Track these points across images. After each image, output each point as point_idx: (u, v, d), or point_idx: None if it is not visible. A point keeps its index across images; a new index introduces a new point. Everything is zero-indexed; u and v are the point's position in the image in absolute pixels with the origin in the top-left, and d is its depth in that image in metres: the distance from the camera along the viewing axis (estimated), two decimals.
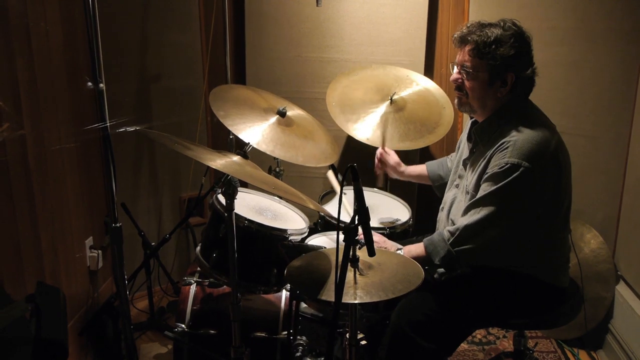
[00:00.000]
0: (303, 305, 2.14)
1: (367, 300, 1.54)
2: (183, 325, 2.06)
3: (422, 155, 2.98)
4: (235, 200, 1.78)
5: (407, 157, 2.69)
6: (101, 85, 1.81)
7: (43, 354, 1.05)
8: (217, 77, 2.92)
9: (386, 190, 2.66)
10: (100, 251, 2.55)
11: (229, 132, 2.51)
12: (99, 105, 1.84)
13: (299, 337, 2.10)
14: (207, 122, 3.02)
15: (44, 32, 2.28)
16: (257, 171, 1.78)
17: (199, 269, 2.24)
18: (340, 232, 1.54)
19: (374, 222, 2.16)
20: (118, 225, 1.79)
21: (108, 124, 1.82)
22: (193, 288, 2.16)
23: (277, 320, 2.10)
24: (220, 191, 2.04)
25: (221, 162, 1.70)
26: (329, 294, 1.58)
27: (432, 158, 2.90)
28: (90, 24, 1.79)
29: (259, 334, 2.08)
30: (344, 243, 1.54)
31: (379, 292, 1.58)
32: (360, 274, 1.64)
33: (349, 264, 1.59)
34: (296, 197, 1.74)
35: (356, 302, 1.54)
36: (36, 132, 2.19)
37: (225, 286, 2.16)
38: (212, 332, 2.07)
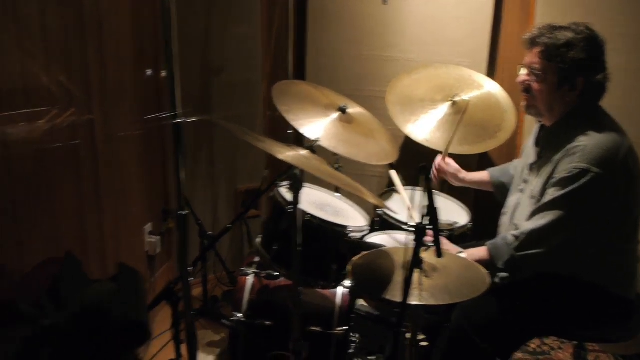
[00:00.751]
0: (358, 302, 2.14)
1: (432, 302, 1.53)
2: (240, 315, 2.09)
3: (480, 160, 2.94)
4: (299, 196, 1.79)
5: (466, 161, 2.65)
6: (163, 73, 1.83)
7: (126, 336, 1.07)
8: (276, 73, 2.94)
9: (443, 192, 2.63)
10: (158, 237, 2.61)
11: (288, 126, 2.52)
12: (169, 94, 1.87)
13: (352, 334, 2.10)
14: (266, 117, 3.05)
15: (114, 21, 2.34)
16: (325, 166, 1.79)
17: (255, 260, 2.27)
18: (409, 232, 1.53)
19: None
20: (185, 212, 1.82)
21: (179, 113, 1.85)
22: (250, 279, 2.18)
23: (332, 315, 2.11)
24: (283, 185, 2.06)
25: (291, 155, 1.71)
26: (393, 294, 1.58)
27: (491, 163, 2.86)
28: (165, 14, 1.81)
29: (314, 328, 2.08)
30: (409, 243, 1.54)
31: (444, 295, 1.56)
32: (425, 276, 1.63)
33: (422, 264, 1.59)
34: (363, 193, 1.74)
35: (422, 304, 1.53)
36: (105, 118, 2.25)
37: (281, 279, 2.18)
38: (268, 323, 2.09)
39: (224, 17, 2.90)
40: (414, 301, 1.52)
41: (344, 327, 2.05)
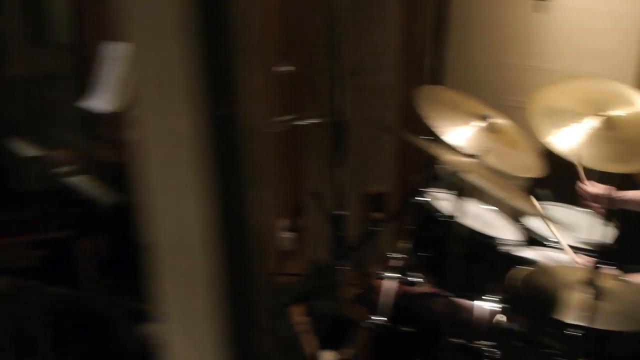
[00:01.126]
0: (500, 316, 2.09)
1: (611, 328, 1.47)
2: (382, 318, 2.08)
3: (627, 180, 2.78)
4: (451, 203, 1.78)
5: (610, 181, 2.53)
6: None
7: (334, 330, 1.09)
8: (412, 78, 2.92)
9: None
10: (291, 234, 2.66)
11: (420, 132, 2.50)
12: (330, 95, 1.91)
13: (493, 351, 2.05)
14: (399, 122, 3.04)
15: (261, 21, 2.41)
16: (496, 177, 1.76)
17: (392, 264, 2.26)
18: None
19: (574, 242, 2.08)
20: (344, 213, 1.85)
21: (339, 112, 1.88)
22: (391, 283, 2.17)
23: (474, 328, 2.06)
24: (435, 191, 2.06)
25: (459, 162, 1.70)
26: (561, 314, 1.52)
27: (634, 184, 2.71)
28: (334, 20, 1.84)
29: (455, 340, 2.05)
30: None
31: (622, 321, 1.50)
32: (597, 299, 1.56)
33: (590, 286, 1.53)
34: (536, 211, 1.70)
35: (598, 327, 1.47)
36: (249, 114, 2.32)
37: (423, 286, 2.16)
38: (409, 329, 2.07)
39: (363, 21, 2.91)
40: (589, 324, 1.47)
41: (490, 342, 2.00)
